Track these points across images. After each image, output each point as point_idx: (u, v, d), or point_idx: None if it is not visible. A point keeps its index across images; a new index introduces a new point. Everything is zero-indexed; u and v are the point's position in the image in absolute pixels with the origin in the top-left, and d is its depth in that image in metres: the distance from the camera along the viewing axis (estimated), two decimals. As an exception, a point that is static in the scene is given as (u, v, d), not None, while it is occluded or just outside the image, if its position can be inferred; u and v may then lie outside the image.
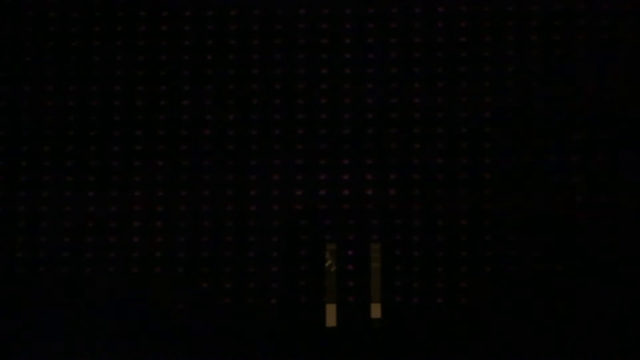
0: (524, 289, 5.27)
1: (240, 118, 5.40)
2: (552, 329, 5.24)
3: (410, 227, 5.34)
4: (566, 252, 5.26)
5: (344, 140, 5.39)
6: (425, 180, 5.35)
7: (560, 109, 5.33)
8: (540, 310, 5.25)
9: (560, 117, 5.33)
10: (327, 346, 5.29)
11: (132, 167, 5.40)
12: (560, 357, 5.23)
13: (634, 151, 5.30)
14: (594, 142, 5.32)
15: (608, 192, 5.27)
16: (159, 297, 5.31)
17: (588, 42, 5.38)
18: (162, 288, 5.32)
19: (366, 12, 5.45)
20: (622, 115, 5.32)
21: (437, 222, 5.33)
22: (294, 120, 5.41)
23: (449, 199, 5.33)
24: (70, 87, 5.46)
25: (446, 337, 5.27)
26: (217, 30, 5.46)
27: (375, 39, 5.43)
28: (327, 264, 5.37)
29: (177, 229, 5.35)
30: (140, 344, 5.28)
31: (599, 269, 5.25)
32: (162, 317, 5.29)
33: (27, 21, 5.48)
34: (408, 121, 5.39)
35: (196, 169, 5.39)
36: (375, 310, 5.30)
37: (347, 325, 5.30)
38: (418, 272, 5.32)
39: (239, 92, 5.42)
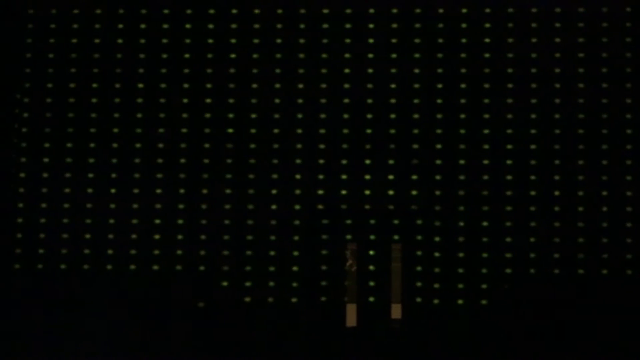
0: (545, 291, 5.26)
1: (262, 118, 5.40)
2: (572, 331, 5.23)
3: (432, 228, 5.34)
4: (589, 255, 5.26)
5: (366, 141, 5.39)
6: (447, 182, 5.35)
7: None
8: (560, 312, 5.25)
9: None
10: (347, 345, 5.30)
11: (155, 166, 5.40)
12: (578, 358, 5.22)
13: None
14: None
15: None
16: (180, 294, 5.31)
17: None
18: (184, 286, 5.32)
19: (390, 12, 5.45)
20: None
21: (458, 223, 5.33)
22: (316, 120, 5.41)
23: (471, 200, 5.33)
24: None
25: (466, 338, 5.27)
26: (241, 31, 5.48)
27: (399, 39, 5.43)
28: (347, 264, 5.38)
29: (198, 227, 5.36)
30: (161, 340, 5.29)
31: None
32: (183, 315, 5.30)
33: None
34: (430, 122, 5.39)
35: (218, 168, 5.39)
36: (396, 311, 5.31)
37: (367, 325, 5.31)
38: (439, 273, 5.32)
39: (260, 93, 5.43)
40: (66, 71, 5.48)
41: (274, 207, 5.37)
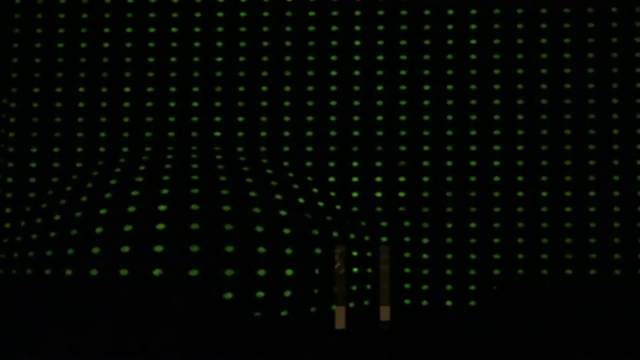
0: (533, 291, 5.26)
1: (250, 121, 5.40)
2: (560, 331, 5.23)
3: (420, 229, 5.34)
4: (577, 255, 5.28)
5: (353, 142, 5.39)
6: (435, 183, 5.36)
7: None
8: (548, 312, 5.25)
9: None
10: (336, 348, 5.26)
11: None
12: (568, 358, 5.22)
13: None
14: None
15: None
16: (173, 300, 5.27)
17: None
18: (175, 292, 5.28)
19: (377, 15, 5.48)
20: None
21: (446, 224, 5.33)
22: (304, 122, 5.41)
23: (459, 201, 5.34)
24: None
25: (455, 340, 5.26)
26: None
27: (386, 41, 5.45)
28: (336, 267, 5.36)
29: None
30: (153, 346, 5.25)
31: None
32: (176, 320, 5.25)
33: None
34: (417, 123, 5.40)
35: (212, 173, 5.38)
36: (385, 313, 5.29)
37: (356, 328, 5.28)
38: (427, 275, 5.31)
39: (247, 96, 5.43)
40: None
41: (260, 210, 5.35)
